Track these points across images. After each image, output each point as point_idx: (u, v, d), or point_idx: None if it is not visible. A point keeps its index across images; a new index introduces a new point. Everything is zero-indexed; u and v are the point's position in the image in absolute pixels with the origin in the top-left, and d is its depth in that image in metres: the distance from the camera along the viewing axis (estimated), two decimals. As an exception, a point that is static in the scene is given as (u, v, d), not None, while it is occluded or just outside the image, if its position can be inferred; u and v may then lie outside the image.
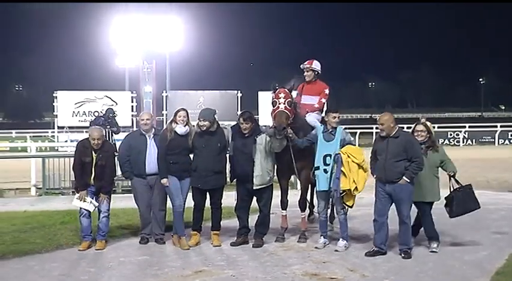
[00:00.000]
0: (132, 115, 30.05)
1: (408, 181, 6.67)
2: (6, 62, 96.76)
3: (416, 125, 7.25)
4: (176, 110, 7.53)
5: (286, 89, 7.45)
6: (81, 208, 7.36)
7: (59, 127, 30.19)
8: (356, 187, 7.02)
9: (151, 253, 7.16)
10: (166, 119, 32.77)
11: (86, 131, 8.35)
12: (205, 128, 7.26)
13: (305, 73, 8.24)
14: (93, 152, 7.34)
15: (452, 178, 7.11)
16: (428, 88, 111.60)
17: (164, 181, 7.33)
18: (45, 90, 51.94)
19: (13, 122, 70.69)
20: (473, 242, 7.50)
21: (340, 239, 7.20)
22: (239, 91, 31.87)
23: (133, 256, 7.04)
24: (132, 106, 30.90)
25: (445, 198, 7.17)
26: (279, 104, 7.29)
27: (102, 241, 7.42)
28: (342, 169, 7.02)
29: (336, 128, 7.30)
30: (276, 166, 7.66)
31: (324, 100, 8.24)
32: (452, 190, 7.14)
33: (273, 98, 7.42)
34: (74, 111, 29.83)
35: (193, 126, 7.46)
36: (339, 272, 6.26)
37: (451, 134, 31.91)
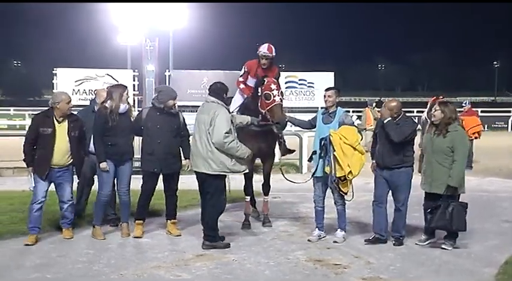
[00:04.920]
0: (134, 94, 30.00)
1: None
2: (4, 37, 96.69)
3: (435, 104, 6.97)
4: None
5: (275, 80, 7.39)
6: (33, 194, 6.81)
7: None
8: (350, 171, 6.71)
9: (151, 236, 7.19)
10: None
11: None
12: (166, 108, 6.99)
13: (263, 60, 7.82)
14: (55, 122, 6.72)
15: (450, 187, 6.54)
16: (439, 71, 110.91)
17: (103, 165, 6.89)
18: (45, 67, 51.81)
19: (11, 99, 70.63)
20: (482, 230, 7.50)
21: (338, 230, 7.04)
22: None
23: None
24: (134, 85, 30.80)
25: (426, 204, 6.76)
26: (274, 96, 7.16)
27: (68, 228, 7.01)
28: (335, 153, 6.74)
29: (336, 110, 7.04)
30: None
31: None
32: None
33: (263, 90, 7.23)
34: (74, 89, 29.72)
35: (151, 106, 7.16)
36: (343, 258, 6.29)
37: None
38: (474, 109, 15.78)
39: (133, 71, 31.95)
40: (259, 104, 7.28)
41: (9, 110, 35.57)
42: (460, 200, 6.68)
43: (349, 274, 5.79)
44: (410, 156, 6.82)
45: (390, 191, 6.89)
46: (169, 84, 32.40)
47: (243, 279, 5.66)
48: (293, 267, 6.00)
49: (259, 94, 7.29)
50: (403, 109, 6.95)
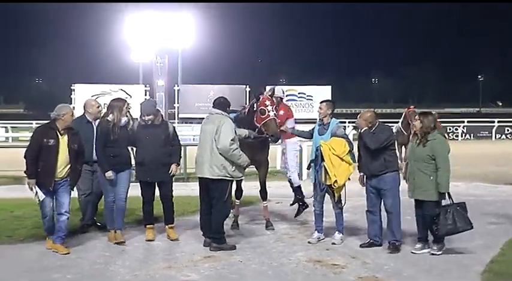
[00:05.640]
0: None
1: None
2: (26, 56, 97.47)
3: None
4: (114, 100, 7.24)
5: (269, 97, 7.40)
6: (42, 209, 6.54)
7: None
8: (336, 180, 6.73)
9: (162, 239, 7.19)
10: (178, 111, 32.88)
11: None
12: (150, 122, 7.00)
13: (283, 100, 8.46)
14: (58, 134, 6.45)
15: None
16: (429, 85, 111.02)
17: (109, 174, 6.82)
18: (64, 83, 52.06)
19: (33, 113, 70.79)
20: (469, 232, 7.46)
21: (336, 232, 7.02)
22: (247, 86, 31.82)
23: (146, 241, 7.07)
24: (145, 99, 30.86)
25: (419, 213, 6.56)
26: (269, 111, 7.20)
27: (63, 244, 6.54)
28: (324, 163, 6.78)
29: (330, 122, 7.06)
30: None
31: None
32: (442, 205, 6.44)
33: (258, 106, 7.26)
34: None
35: (138, 119, 7.16)
36: (341, 259, 6.28)
37: (450, 129, 31.76)
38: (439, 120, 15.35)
39: (145, 86, 32.10)
40: (254, 119, 7.32)
41: (32, 123, 35.63)
42: (456, 202, 6.47)
43: (347, 274, 5.78)
44: (393, 161, 6.73)
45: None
46: (178, 98, 32.64)
47: (249, 279, 5.66)
48: (294, 267, 6.00)
49: (254, 109, 7.33)
50: (380, 120, 6.93)
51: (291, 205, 8.53)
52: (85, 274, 5.76)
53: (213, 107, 6.92)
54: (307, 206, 8.22)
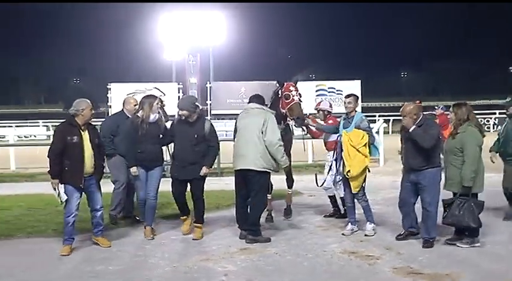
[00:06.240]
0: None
1: None
2: (65, 57, 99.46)
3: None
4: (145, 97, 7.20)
5: (293, 83, 7.45)
6: (67, 207, 6.30)
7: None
8: (349, 170, 6.74)
9: (199, 232, 7.24)
10: (210, 108, 33.06)
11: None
12: (184, 117, 6.84)
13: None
14: (80, 131, 6.29)
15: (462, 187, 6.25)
16: (459, 77, 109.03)
17: (133, 169, 6.85)
18: (100, 82, 52.88)
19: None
20: (505, 224, 7.33)
21: (367, 223, 6.98)
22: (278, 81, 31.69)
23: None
24: (179, 96, 31.09)
25: (443, 200, 6.39)
26: (293, 96, 7.27)
27: (104, 237, 6.63)
28: (342, 153, 6.85)
29: (353, 115, 7.03)
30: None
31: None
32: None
33: (283, 92, 7.35)
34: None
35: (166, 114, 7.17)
36: (375, 250, 6.24)
37: (481, 121, 31.13)
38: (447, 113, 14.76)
39: (178, 84, 32.26)
40: (280, 105, 7.34)
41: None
42: (477, 199, 6.33)
43: (381, 265, 5.74)
44: (435, 157, 6.39)
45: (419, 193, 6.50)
46: (210, 95, 32.75)
47: (284, 270, 5.66)
48: (329, 259, 5.98)
49: (279, 96, 7.39)
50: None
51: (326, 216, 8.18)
52: (126, 266, 5.86)
53: (251, 101, 6.96)
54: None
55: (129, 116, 7.55)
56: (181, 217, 7.22)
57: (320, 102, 8.50)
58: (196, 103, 7.05)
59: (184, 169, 6.81)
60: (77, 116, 6.33)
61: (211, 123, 7.04)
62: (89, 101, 6.54)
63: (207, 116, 33.10)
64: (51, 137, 6.33)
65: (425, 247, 6.29)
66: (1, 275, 5.59)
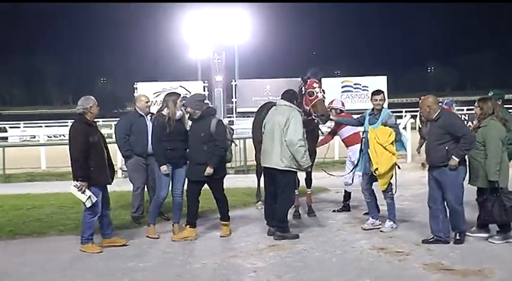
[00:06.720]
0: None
1: (457, 159, 5.97)
2: (92, 57, 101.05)
3: None
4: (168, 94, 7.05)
5: (316, 80, 7.38)
6: (94, 208, 6.17)
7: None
8: (377, 168, 6.67)
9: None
10: (235, 106, 33.14)
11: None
12: (188, 114, 6.75)
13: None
14: (98, 129, 6.23)
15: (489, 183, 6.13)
16: (486, 71, 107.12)
17: (164, 168, 6.65)
18: (127, 82, 53.48)
19: (99, 111, 73.22)
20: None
21: (387, 220, 6.91)
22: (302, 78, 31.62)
23: (213, 232, 7.13)
24: (205, 94, 31.31)
25: (476, 199, 6.40)
26: (317, 93, 7.24)
27: (119, 237, 6.62)
28: (369, 150, 6.75)
29: (380, 111, 6.90)
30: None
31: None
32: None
33: (306, 89, 7.30)
34: (152, 101, 30.39)
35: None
36: (405, 246, 6.18)
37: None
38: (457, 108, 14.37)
39: (204, 82, 32.58)
40: (303, 102, 7.31)
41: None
42: (507, 192, 6.21)
43: (412, 261, 5.68)
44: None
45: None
46: (235, 92, 32.87)
47: (313, 266, 5.64)
48: (358, 255, 5.95)
49: (303, 93, 7.35)
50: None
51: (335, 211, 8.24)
52: (156, 263, 5.91)
53: (281, 98, 6.93)
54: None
55: (142, 114, 7.56)
56: (186, 225, 6.78)
57: (332, 101, 8.50)
58: (204, 100, 6.89)
59: (193, 169, 6.69)
60: (85, 114, 6.23)
61: (220, 122, 6.73)
62: (93, 97, 6.42)
63: (231, 113, 33.22)
64: (70, 140, 6.18)
65: (456, 243, 6.18)
66: (35, 273, 5.69)
